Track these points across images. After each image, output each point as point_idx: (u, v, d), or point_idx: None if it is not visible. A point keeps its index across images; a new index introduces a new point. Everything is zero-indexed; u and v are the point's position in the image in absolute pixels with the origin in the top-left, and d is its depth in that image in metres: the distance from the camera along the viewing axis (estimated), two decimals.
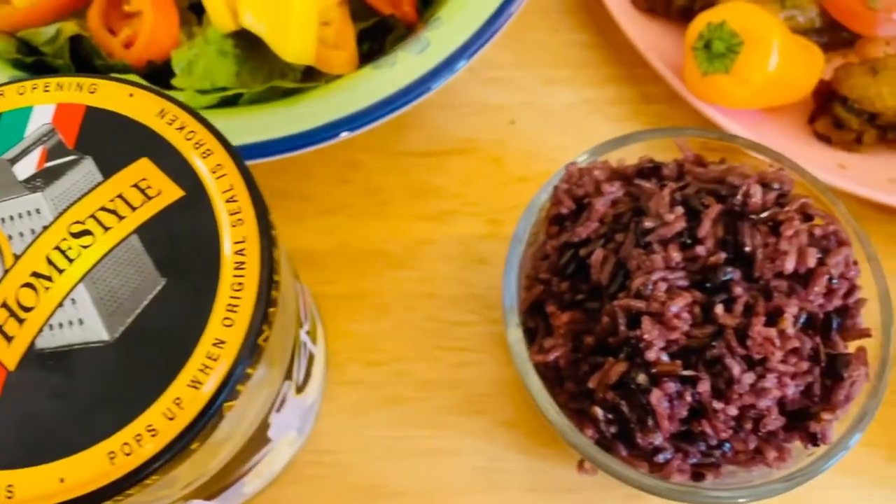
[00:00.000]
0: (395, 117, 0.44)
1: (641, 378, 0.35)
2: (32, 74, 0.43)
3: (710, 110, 0.51)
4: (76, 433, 0.25)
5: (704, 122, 0.52)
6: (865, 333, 0.38)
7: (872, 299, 0.39)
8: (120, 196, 0.29)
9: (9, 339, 0.27)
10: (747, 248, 0.36)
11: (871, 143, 0.52)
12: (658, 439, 0.35)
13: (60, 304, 0.27)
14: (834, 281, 0.37)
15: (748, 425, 0.36)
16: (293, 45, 0.43)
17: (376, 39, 0.49)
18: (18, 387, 0.26)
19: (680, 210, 0.37)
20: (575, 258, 0.39)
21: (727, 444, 0.36)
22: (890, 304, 0.39)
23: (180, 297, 0.27)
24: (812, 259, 0.36)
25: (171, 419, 0.26)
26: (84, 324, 0.27)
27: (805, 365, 0.36)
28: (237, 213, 0.28)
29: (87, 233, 0.28)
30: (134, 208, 0.28)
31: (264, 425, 0.33)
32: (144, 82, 0.34)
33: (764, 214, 0.37)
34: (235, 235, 0.28)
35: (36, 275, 0.27)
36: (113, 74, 0.37)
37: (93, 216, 0.28)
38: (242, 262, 0.27)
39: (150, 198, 0.29)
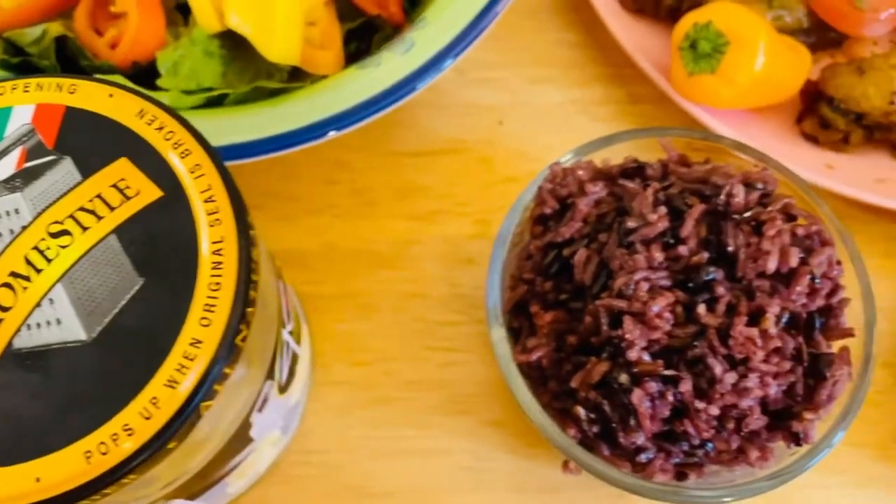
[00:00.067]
0: (382, 117, 0.44)
1: (623, 378, 0.35)
2: (16, 75, 0.43)
3: (698, 110, 0.51)
4: (52, 433, 0.25)
5: (692, 122, 0.52)
6: (849, 333, 0.38)
7: (856, 298, 0.39)
8: (99, 196, 0.29)
9: None
10: (730, 248, 0.36)
11: (858, 144, 0.52)
12: (640, 439, 0.35)
13: (38, 304, 0.27)
14: (817, 280, 0.37)
15: (730, 425, 0.36)
16: (278, 46, 0.43)
17: (363, 40, 0.49)
18: None
19: (663, 210, 0.37)
20: (559, 258, 0.39)
21: (709, 444, 0.36)
22: (873, 303, 0.39)
23: (158, 297, 0.27)
24: (794, 259, 0.36)
25: (147, 419, 0.26)
26: (62, 323, 0.27)
27: (787, 364, 0.36)
28: (215, 213, 0.28)
29: (65, 233, 0.28)
30: (112, 208, 0.28)
31: (246, 425, 0.33)
32: (126, 83, 0.34)
33: (747, 214, 0.37)
34: (213, 235, 0.28)
35: (14, 275, 0.27)
36: (97, 75, 0.38)
37: (71, 216, 0.28)
38: (220, 262, 0.27)
39: (128, 198, 0.29)
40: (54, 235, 0.28)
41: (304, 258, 0.50)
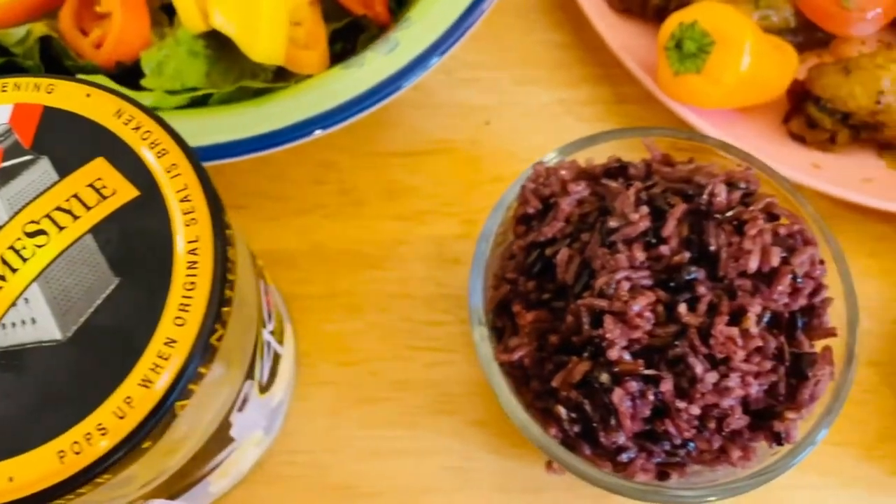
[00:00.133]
0: (369, 116, 0.44)
1: (604, 377, 0.35)
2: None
3: (684, 110, 0.51)
4: (26, 432, 0.25)
5: (678, 122, 0.52)
6: (831, 332, 0.38)
7: (839, 298, 0.39)
8: (75, 196, 0.29)
9: None
10: (712, 248, 0.36)
11: (844, 143, 0.52)
12: (621, 438, 0.35)
13: (13, 304, 0.27)
14: (798, 280, 0.37)
15: (712, 424, 0.36)
16: (263, 46, 0.43)
17: (349, 40, 0.49)
18: None
19: (645, 209, 0.37)
20: (541, 257, 0.39)
21: (691, 444, 0.36)
22: (856, 302, 0.39)
23: (133, 297, 0.27)
24: (776, 258, 0.36)
25: (121, 418, 0.26)
26: (37, 323, 0.27)
27: (769, 364, 0.36)
28: (191, 212, 0.28)
29: (41, 232, 0.28)
30: (89, 208, 0.28)
31: (226, 424, 0.33)
32: (106, 82, 0.34)
33: (729, 214, 0.37)
34: (189, 235, 0.28)
35: None
36: (79, 75, 0.38)
37: (48, 216, 0.28)
38: (195, 262, 0.27)
39: (105, 197, 0.29)
40: (30, 235, 0.28)
41: (292, 258, 0.50)
